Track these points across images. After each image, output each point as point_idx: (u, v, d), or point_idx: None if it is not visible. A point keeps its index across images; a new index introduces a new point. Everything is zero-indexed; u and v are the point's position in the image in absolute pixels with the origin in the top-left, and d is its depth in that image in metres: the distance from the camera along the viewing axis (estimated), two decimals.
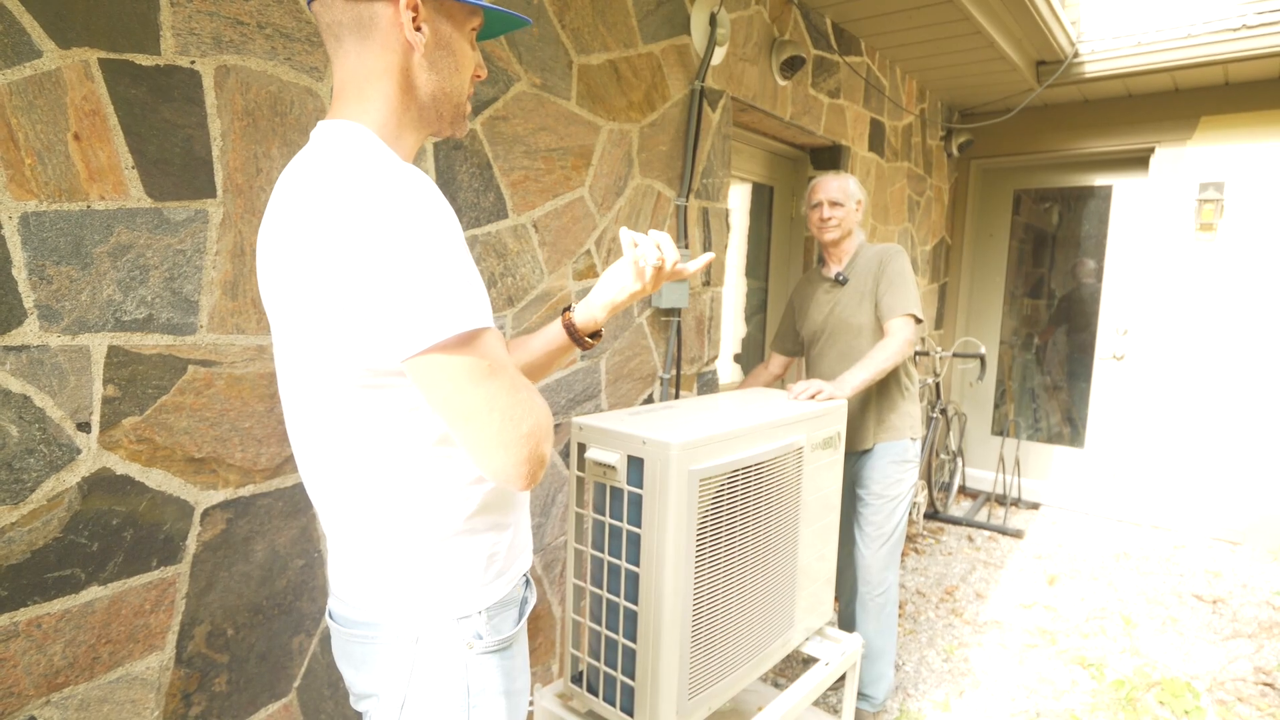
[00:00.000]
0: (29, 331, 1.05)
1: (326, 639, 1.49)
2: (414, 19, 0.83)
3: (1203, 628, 3.09)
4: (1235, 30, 3.48)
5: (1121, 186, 4.45)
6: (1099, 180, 4.54)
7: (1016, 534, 4.14)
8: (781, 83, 2.80)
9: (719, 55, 2.42)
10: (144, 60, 1.14)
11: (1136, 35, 3.71)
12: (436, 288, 0.73)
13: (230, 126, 1.25)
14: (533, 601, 1.04)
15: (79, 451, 1.11)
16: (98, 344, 1.12)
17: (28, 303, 1.05)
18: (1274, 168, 3.88)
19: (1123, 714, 2.46)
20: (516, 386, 0.79)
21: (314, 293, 0.79)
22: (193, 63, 1.20)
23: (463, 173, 1.66)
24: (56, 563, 1.10)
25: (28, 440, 1.06)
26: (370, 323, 0.76)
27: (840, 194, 2.31)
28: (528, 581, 1.04)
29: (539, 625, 2.02)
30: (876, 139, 3.59)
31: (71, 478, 1.11)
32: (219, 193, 1.24)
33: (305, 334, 0.83)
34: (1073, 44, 3.78)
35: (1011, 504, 4.68)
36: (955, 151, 4.48)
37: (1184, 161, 4.11)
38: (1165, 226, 4.18)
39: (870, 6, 2.94)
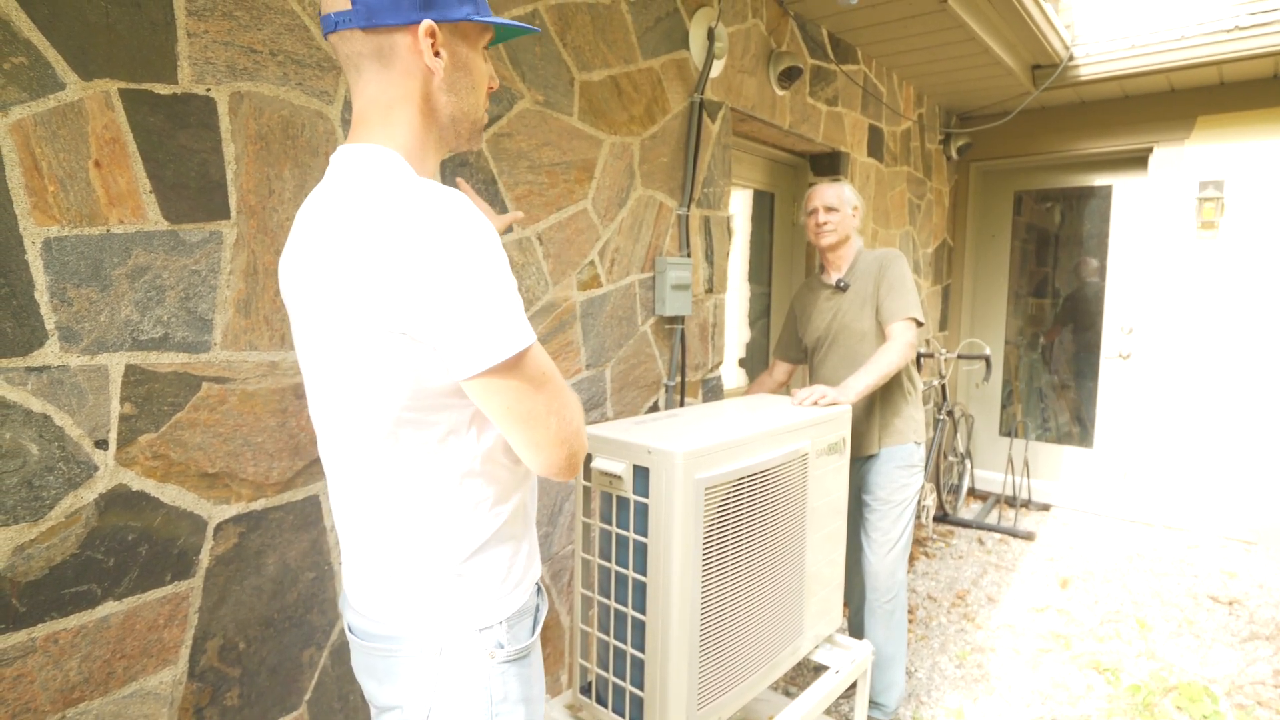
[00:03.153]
0: (50, 352, 1.09)
1: (336, 652, 1.51)
2: (433, 45, 0.85)
3: (1219, 630, 3.05)
4: (1228, 31, 3.50)
5: (1121, 186, 4.46)
6: (1099, 180, 4.55)
7: (1027, 536, 4.12)
8: (780, 92, 2.84)
9: (717, 68, 2.46)
10: (162, 89, 1.18)
11: (1131, 38, 3.73)
12: (489, 311, 0.77)
13: (244, 150, 1.29)
14: (545, 609, 1.05)
15: (96, 469, 1.14)
16: (116, 363, 1.15)
17: (49, 324, 1.08)
18: (1272, 165, 3.88)
19: (1140, 719, 2.45)
20: (563, 387, 0.87)
21: (362, 318, 0.80)
22: (208, 90, 1.24)
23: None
24: (74, 579, 1.12)
25: (47, 458, 1.09)
26: (426, 345, 0.79)
27: (835, 199, 2.34)
28: (540, 589, 1.06)
29: (548, 635, 2.03)
30: (875, 144, 3.62)
31: (89, 494, 1.14)
32: (233, 214, 1.28)
33: (349, 360, 0.84)
34: (1067, 47, 3.80)
35: (1022, 505, 4.65)
36: (954, 155, 4.50)
37: (1183, 161, 4.12)
38: (1167, 225, 4.18)
39: (865, 17, 2.97)
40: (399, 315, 0.78)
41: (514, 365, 0.80)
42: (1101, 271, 4.54)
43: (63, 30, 1.07)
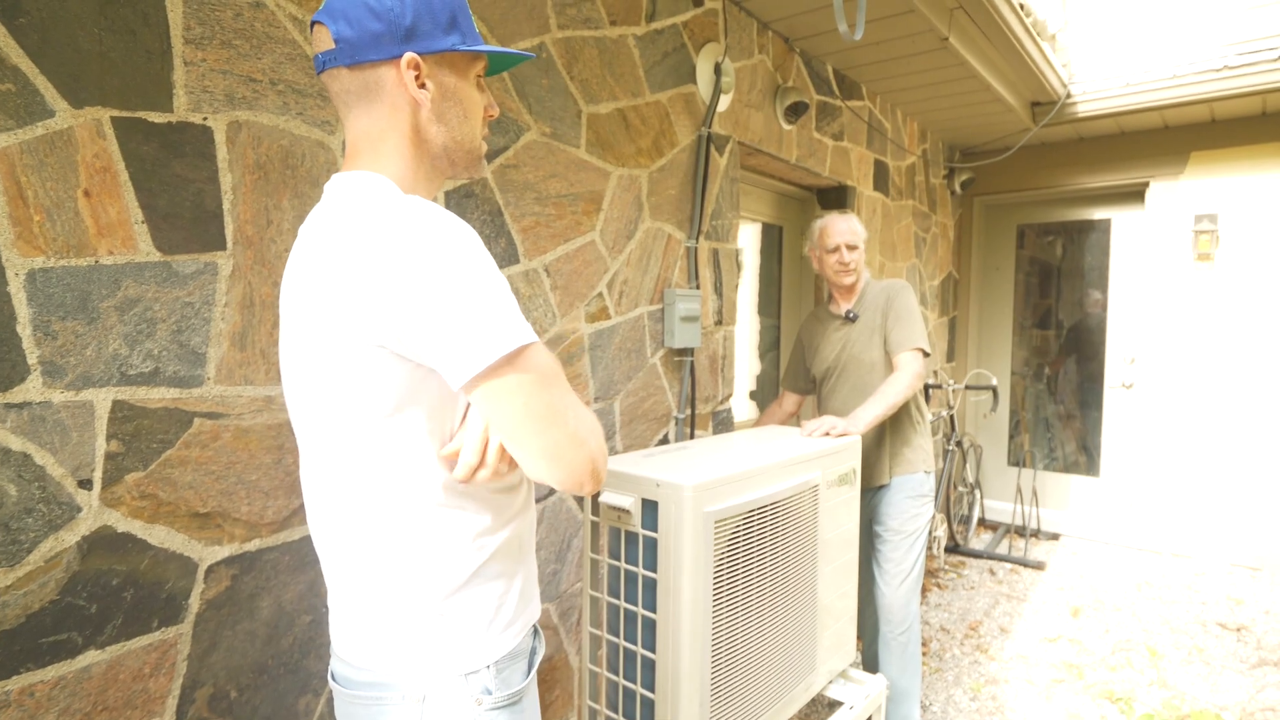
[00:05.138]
0: (31, 388, 0.99)
1: (334, 699, 1.38)
2: (416, 77, 0.82)
3: (1229, 656, 2.91)
4: (1218, 71, 3.45)
5: (1120, 219, 4.37)
6: (1098, 214, 4.46)
7: (1038, 566, 3.96)
8: (786, 127, 2.76)
9: (724, 102, 2.38)
10: (156, 117, 1.10)
11: (1125, 76, 3.68)
12: (481, 310, 0.72)
13: (241, 180, 1.20)
14: (542, 652, 0.96)
15: (79, 510, 1.03)
16: (102, 399, 1.05)
17: (31, 359, 0.99)
18: (1263, 198, 3.83)
19: None
20: (571, 389, 0.79)
21: (339, 333, 0.75)
22: (205, 119, 1.15)
23: (474, 220, 1.61)
24: (52, 627, 1.01)
25: (26, 500, 0.98)
26: (411, 359, 0.74)
27: (855, 237, 2.25)
28: (536, 631, 0.96)
29: (556, 677, 1.89)
30: (881, 179, 3.53)
31: (71, 537, 1.03)
32: (229, 245, 1.19)
33: (327, 377, 0.78)
34: (1065, 85, 3.75)
35: (1031, 535, 4.49)
36: (958, 189, 4.43)
37: (1178, 194, 4.05)
38: (1164, 257, 4.11)
39: (869, 54, 2.91)
40: (378, 328, 0.72)
41: (518, 360, 0.72)
42: (1103, 303, 4.44)
43: (53, 57, 0.99)
